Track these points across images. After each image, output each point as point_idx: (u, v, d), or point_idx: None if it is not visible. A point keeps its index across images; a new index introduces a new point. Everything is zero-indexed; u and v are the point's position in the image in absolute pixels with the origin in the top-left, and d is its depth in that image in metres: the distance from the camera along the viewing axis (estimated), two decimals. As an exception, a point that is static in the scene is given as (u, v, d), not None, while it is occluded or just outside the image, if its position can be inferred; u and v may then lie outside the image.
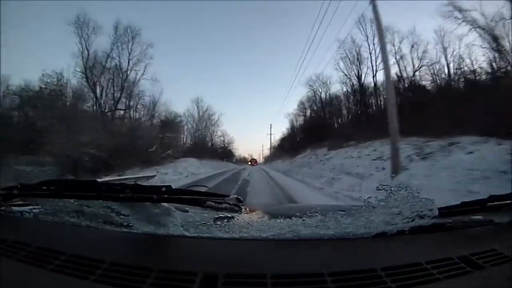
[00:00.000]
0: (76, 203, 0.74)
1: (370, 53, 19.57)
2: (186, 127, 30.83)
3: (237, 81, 75.33)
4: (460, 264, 0.54)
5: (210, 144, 35.90)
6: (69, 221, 0.72)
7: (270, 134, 49.95)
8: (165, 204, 0.65)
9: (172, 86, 51.54)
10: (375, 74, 19.11)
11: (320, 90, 25.38)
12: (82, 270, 0.49)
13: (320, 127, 21.87)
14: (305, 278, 0.47)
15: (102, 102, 19.17)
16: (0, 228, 0.70)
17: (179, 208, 0.69)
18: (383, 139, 10.79)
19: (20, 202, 0.84)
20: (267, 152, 55.69)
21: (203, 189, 1.25)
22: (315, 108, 26.61)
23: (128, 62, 20.83)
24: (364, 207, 0.68)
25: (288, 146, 30.34)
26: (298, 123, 31.39)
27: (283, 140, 37.91)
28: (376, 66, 18.95)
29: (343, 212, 0.68)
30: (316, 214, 0.69)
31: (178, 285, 0.46)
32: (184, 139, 30.41)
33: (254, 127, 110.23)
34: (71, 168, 11.14)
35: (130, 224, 0.67)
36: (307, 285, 0.46)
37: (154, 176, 12.11)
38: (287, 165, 22.26)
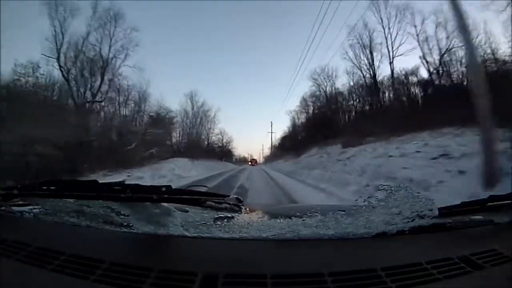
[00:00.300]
0: (76, 203, 0.74)
1: (386, 38, 17.47)
2: (181, 124, 28.01)
3: (237, 80, 75.75)
4: (460, 264, 0.54)
5: (206, 143, 33.53)
6: (69, 221, 0.72)
7: (271, 132, 47.64)
8: (165, 204, 0.65)
9: (171, 86, 51.43)
10: (392, 60, 17.24)
11: (326, 84, 23.77)
12: (82, 270, 0.49)
13: (328, 122, 19.98)
14: (305, 278, 0.47)
15: (75, 91, 15.61)
16: (0, 228, 0.70)
17: (179, 208, 0.69)
18: (433, 130, 8.42)
19: (20, 202, 0.84)
20: (267, 151, 54.38)
21: (203, 189, 1.25)
22: (318, 104, 25.20)
23: (109, 48, 17.20)
24: (364, 207, 0.68)
25: (291, 145, 28.87)
26: (300, 121, 30.15)
27: (285, 138, 36.21)
28: (393, 52, 17.16)
29: (343, 212, 0.68)
30: (316, 214, 0.69)
31: (178, 285, 0.46)
32: (179, 138, 27.75)
33: (254, 126, 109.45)
34: (3, 174, 7.19)
35: (130, 224, 0.67)
36: (307, 285, 0.46)
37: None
38: (291, 166, 19.53)
